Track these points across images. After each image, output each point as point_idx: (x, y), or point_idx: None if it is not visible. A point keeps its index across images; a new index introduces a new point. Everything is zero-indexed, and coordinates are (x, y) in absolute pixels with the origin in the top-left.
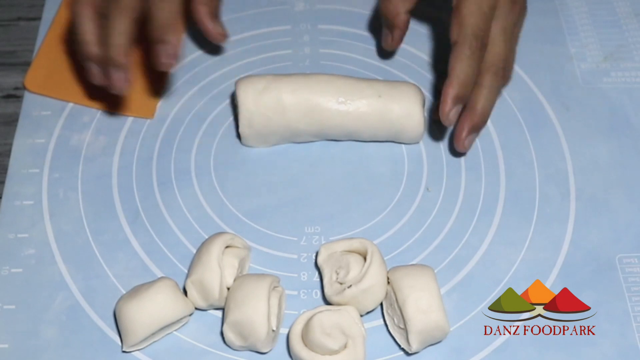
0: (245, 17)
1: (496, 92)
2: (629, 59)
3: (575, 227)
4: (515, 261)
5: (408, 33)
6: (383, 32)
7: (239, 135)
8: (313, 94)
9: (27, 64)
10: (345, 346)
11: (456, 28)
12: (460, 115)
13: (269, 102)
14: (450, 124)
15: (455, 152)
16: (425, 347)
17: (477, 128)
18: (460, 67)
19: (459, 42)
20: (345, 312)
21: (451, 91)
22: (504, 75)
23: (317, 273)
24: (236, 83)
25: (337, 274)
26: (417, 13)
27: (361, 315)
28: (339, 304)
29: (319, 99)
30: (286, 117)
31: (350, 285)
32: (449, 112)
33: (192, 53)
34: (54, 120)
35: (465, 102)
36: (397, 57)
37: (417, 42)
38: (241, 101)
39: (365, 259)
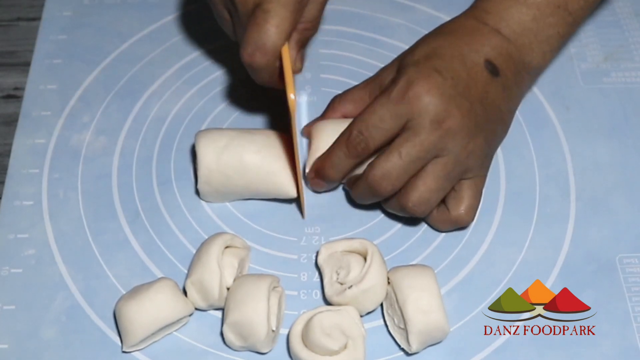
0: None
1: (368, 196)
2: (629, 59)
3: (576, 227)
4: (515, 261)
5: (408, 33)
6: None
7: (197, 191)
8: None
9: (27, 64)
10: (345, 346)
11: (354, 118)
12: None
13: (230, 161)
14: (312, 187)
15: None
16: (425, 348)
17: (320, 175)
18: (335, 152)
19: (344, 132)
20: (345, 312)
21: (317, 162)
22: (380, 188)
23: (317, 273)
24: (196, 137)
25: (338, 274)
26: (415, 13)
27: (361, 316)
28: (339, 304)
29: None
30: (246, 178)
31: (351, 286)
32: (310, 177)
33: (192, 53)
34: (54, 121)
35: (329, 183)
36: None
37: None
38: (201, 158)
39: (365, 259)
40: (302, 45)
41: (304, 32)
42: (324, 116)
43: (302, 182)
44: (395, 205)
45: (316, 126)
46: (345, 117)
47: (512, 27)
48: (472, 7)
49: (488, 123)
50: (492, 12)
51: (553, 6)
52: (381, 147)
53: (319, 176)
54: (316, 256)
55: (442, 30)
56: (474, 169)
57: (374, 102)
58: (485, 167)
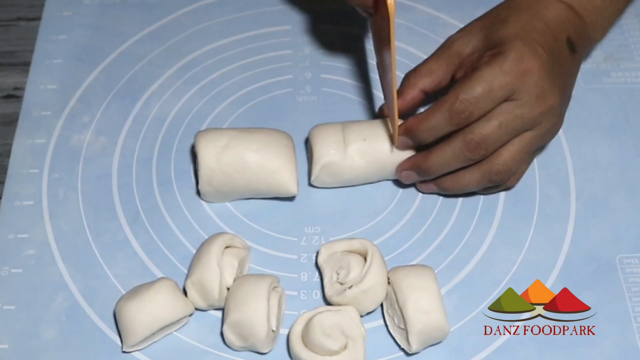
0: (246, 17)
1: (455, 159)
2: (629, 59)
3: (576, 227)
4: (515, 261)
5: (408, 33)
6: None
7: (198, 192)
8: None
9: (27, 64)
10: (345, 347)
11: (457, 85)
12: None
13: (231, 160)
14: (397, 144)
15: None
16: (425, 348)
17: (417, 170)
18: (435, 116)
19: (448, 97)
20: (346, 312)
21: (411, 122)
22: (474, 150)
23: (317, 273)
24: (196, 137)
25: (338, 274)
26: (415, 13)
27: (361, 316)
28: (339, 304)
29: None
30: (247, 177)
31: (351, 286)
32: (399, 134)
33: (192, 53)
34: (54, 121)
35: (416, 144)
36: (397, 57)
37: (416, 42)
38: (201, 158)
39: (365, 259)
40: None
41: None
42: (401, 93)
43: (394, 105)
44: (475, 173)
45: (314, 131)
46: (423, 90)
47: (584, 4)
48: None
49: (568, 100)
50: None
51: None
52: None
53: (410, 135)
54: (316, 256)
55: (520, 3)
56: (547, 144)
57: (482, 70)
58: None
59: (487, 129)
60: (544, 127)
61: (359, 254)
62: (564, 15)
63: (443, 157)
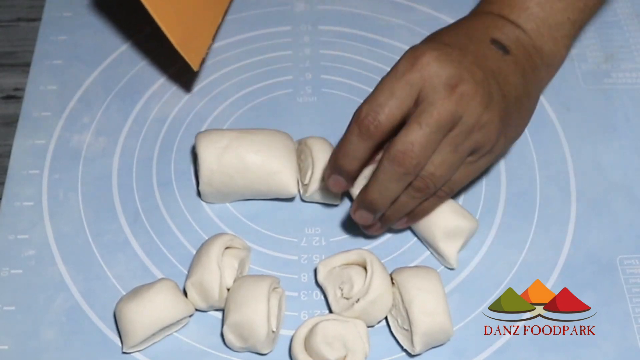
0: (246, 17)
1: (390, 180)
2: (629, 60)
3: (576, 228)
4: (516, 262)
5: (408, 33)
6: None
7: (199, 193)
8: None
9: (27, 65)
10: (344, 359)
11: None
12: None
13: (232, 161)
14: (330, 187)
15: None
16: (428, 349)
17: (364, 205)
18: (347, 137)
19: (357, 111)
20: (353, 325)
21: (331, 156)
22: (402, 161)
23: (318, 287)
24: (196, 138)
25: (341, 289)
26: (416, 13)
27: (372, 326)
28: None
29: None
30: (248, 178)
31: (358, 299)
32: (327, 176)
33: None
34: (54, 121)
35: (347, 178)
36: (395, 56)
37: (416, 43)
38: (202, 159)
39: (365, 269)
40: None
41: None
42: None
43: None
44: (410, 195)
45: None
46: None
47: (517, 13)
48: (477, 5)
49: (504, 99)
50: (496, 1)
51: None
52: (394, 126)
53: (335, 171)
54: (315, 275)
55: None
56: (483, 148)
57: (382, 80)
58: (495, 152)
59: (409, 135)
60: (466, 122)
61: (358, 264)
62: (489, 22)
63: (379, 182)
